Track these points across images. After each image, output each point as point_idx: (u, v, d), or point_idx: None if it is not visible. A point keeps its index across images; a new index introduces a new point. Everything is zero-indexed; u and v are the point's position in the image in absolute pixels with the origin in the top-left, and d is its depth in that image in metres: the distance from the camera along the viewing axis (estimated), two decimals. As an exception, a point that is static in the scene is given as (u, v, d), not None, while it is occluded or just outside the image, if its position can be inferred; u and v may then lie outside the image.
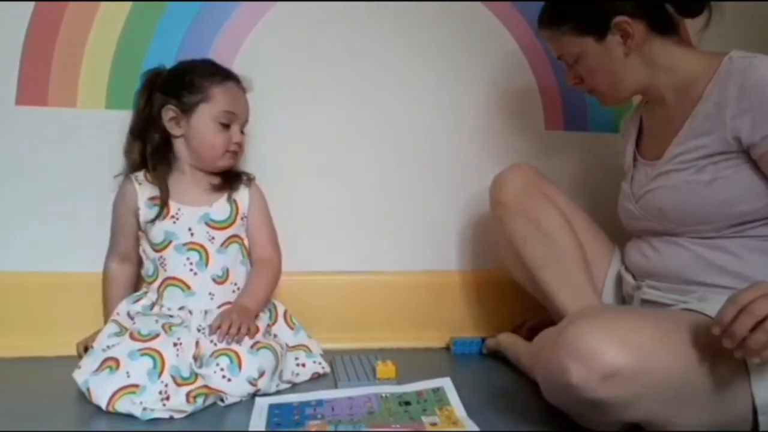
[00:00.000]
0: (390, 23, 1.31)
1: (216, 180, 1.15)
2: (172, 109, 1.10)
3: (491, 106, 1.36)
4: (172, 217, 1.10)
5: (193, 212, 1.11)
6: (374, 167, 1.33)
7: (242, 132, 1.15)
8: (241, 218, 1.15)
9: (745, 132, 0.87)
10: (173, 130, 1.11)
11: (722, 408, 0.78)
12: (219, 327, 1.00)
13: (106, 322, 1.12)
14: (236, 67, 1.20)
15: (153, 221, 1.09)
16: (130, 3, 1.21)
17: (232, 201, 1.15)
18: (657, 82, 0.99)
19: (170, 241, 1.09)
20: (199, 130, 1.10)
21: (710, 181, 0.90)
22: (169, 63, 1.19)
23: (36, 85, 1.20)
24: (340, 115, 1.31)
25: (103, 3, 1.20)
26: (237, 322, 1.01)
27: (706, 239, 0.93)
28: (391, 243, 1.35)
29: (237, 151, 1.14)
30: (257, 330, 1.03)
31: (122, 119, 1.21)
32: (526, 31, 1.35)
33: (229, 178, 1.16)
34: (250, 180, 1.19)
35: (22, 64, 1.19)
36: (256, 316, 1.09)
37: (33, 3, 1.18)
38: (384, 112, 1.33)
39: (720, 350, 0.78)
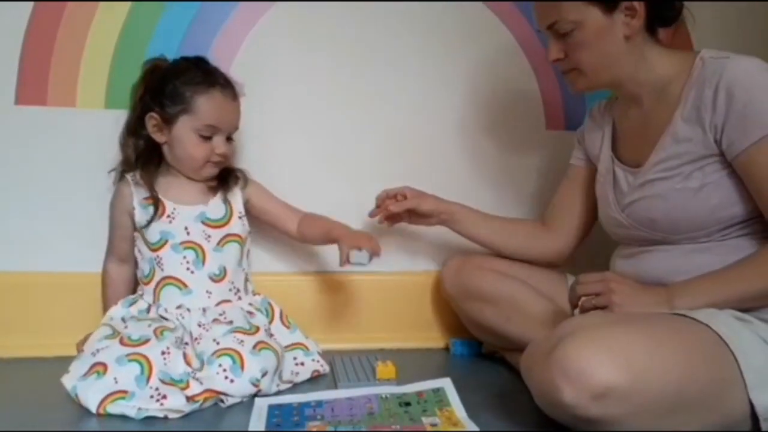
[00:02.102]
0: (389, 23, 1.30)
1: (212, 182, 1.14)
2: (154, 117, 1.08)
3: (492, 106, 1.36)
4: (168, 216, 1.09)
5: (189, 211, 1.10)
6: (374, 167, 1.33)
7: (230, 139, 1.13)
8: (238, 217, 1.14)
9: (721, 135, 0.87)
10: (156, 137, 1.10)
11: (718, 414, 0.77)
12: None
13: None
14: (235, 67, 1.20)
15: (149, 223, 1.08)
16: (130, 3, 1.21)
17: (226, 202, 1.14)
18: (637, 78, 0.96)
19: (166, 241, 1.09)
20: (180, 140, 1.08)
21: (699, 187, 0.90)
22: (168, 63, 1.19)
23: (35, 84, 1.20)
24: (339, 114, 1.31)
25: (102, 3, 1.20)
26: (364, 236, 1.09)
27: (693, 244, 0.93)
28: (391, 243, 1.34)
29: (220, 161, 1.11)
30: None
31: (122, 119, 1.21)
32: (527, 31, 1.34)
33: (225, 178, 1.15)
34: (245, 182, 1.18)
35: (21, 63, 1.19)
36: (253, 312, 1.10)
37: (32, 3, 1.18)
38: (383, 112, 1.32)
39: (713, 357, 0.78)
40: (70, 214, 1.22)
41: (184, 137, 1.08)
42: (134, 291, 1.15)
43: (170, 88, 1.07)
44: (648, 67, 0.95)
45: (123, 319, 1.06)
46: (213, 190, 1.14)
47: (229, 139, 1.12)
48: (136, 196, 1.10)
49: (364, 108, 1.32)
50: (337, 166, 1.32)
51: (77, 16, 1.20)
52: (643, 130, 0.98)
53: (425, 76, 1.33)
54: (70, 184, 1.22)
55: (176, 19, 1.22)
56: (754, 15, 1.40)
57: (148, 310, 1.08)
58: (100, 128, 1.21)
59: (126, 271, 1.15)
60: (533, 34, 1.34)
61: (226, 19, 1.24)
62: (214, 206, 1.13)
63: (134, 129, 1.12)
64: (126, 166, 1.13)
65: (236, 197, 1.16)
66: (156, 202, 1.09)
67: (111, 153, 1.21)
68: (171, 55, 1.20)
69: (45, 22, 1.19)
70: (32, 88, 1.20)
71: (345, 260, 1.06)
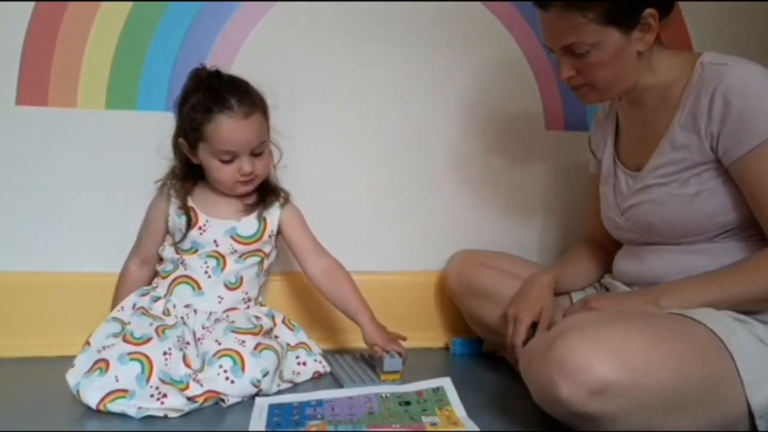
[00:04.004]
0: (390, 23, 1.31)
1: (251, 199, 1.14)
2: (183, 143, 1.09)
3: (491, 106, 1.36)
4: (200, 228, 1.10)
5: (221, 225, 1.11)
6: (374, 168, 1.33)
7: (259, 155, 1.09)
8: (269, 236, 1.14)
9: (717, 143, 0.87)
10: (191, 158, 1.10)
11: (716, 412, 0.78)
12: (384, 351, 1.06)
13: None
14: (236, 69, 1.19)
15: (185, 235, 1.09)
16: (131, 3, 1.21)
17: (261, 219, 1.13)
18: (643, 83, 0.95)
19: (197, 250, 1.10)
20: (205, 164, 1.09)
21: (696, 193, 0.90)
22: (169, 64, 1.19)
23: (36, 85, 1.20)
24: (340, 115, 1.31)
25: (103, 3, 1.20)
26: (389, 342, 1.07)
27: (692, 246, 0.93)
28: (390, 243, 1.35)
29: (250, 180, 1.09)
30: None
31: (122, 120, 1.22)
32: (527, 32, 1.34)
33: (265, 195, 1.15)
34: (286, 200, 1.17)
35: (22, 63, 1.19)
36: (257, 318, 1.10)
37: (33, 3, 1.18)
38: (384, 112, 1.33)
39: (710, 355, 0.78)
40: (70, 215, 1.22)
41: (207, 162, 1.08)
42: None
43: (185, 113, 1.06)
44: (653, 72, 0.94)
45: (134, 306, 1.06)
46: (250, 208, 1.13)
47: (257, 155, 1.09)
48: (174, 204, 1.11)
49: (364, 108, 1.32)
50: (337, 167, 1.32)
51: (78, 16, 1.20)
52: (644, 132, 0.98)
53: (425, 77, 1.33)
54: (71, 184, 1.22)
55: (177, 19, 1.22)
56: (754, 15, 1.40)
57: (157, 300, 1.08)
58: (101, 129, 1.22)
59: (145, 274, 1.15)
60: (533, 35, 1.34)
61: (227, 19, 1.24)
62: (247, 223, 1.12)
63: (174, 146, 1.13)
64: (171, 176, 1.14)
65: (273, 216, 1.14)
66: (188, 213, 1.10)
67: (111, 154, 1.22)
68: (172, 55, 1.20)
69: (46, 23, 1.19)
70: (33, 88, 1.20)
71: (378, 366, 1.06)
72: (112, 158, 1.22)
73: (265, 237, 1.13)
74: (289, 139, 1.28)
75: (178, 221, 1.10)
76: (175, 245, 1.11)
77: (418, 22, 1.31)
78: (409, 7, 1.30)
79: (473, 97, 1.35)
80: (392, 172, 1.34)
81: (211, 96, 1.04)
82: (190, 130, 1.06)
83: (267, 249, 1.15)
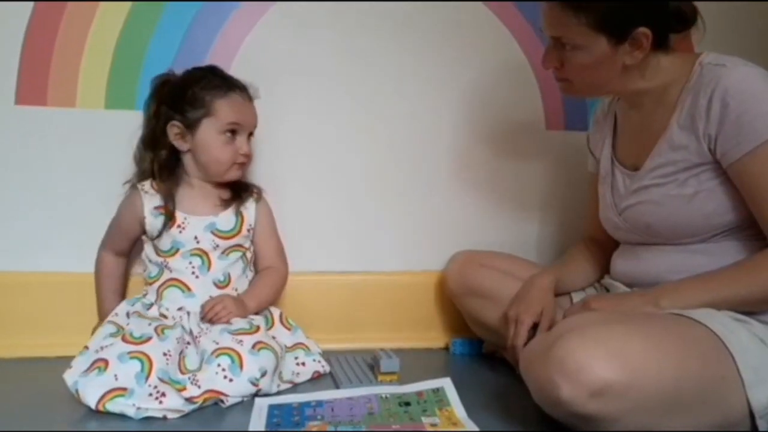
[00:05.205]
0: (390, 23, 1.30)
1: (226, 194, 1.15)
2: (176, 126, 1.10)
3: (492, 106, 1.36)
4: (179, 226, 1.11)
5: (199, 221, 1.12)
6: (373, 167, 1.33)
7: (251, 135, 1.15)
8: (247, 230, 1.16)
9: (715, 145, 0.87)
10: (180, 145, 1.11)
11: (717, 413, 0.78)
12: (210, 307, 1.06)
13: (99, 314, 1.15)
14: (235, 68, 1.20)
15: (160, 233, 1.10)
16: (130, 3, 1.21)
17: (239, 214, 1.15)
18: (637, 89, 0.96)
19: (177, 249, 1.11)
20: (204, 144, 1.10)
21: (694, 194, 0.90)
22: (168, 64, 1.19)
23: (35, 84, 1.20)
24: (338, 115, 1.31)
25: (102, 3, 1.20)
26: (220, 307, 1.05)
27: (691, 245, 0.93)
28: (390, 243, 1.35)
29: (245, 162, 1.14)
30: (243, 316, 1.07)
31: (121, 119, 1.21)
32: (527, 31, 1.34)
33: (238, 192, 1.17)
34: (259, 195, 1.19)
35: (21, 63, 1.19)
36: (256, 313, 1.11)
37: (32, 3, 1.18)
38: (383, 112, 1.32)
39: (710, 355, 0.78)
40: (70, 215, 1.22)
41: (209, 140, 1.10)
42: (127, 283, 1.19)
43: (190, 95, 1.09)
44: (650, 78, 0.94)
45: (128, 315, 1.07)
46: (225, 204, 1.15)
47: (249, 135, 1.14)
48: (147, 205, 1.11)
49: (363, 108, 1.32)
50: (336, 167, 1.32)
51: (77, 16, 1.19)
52: (642, 132, 0.98)
53: (425, 77, 1.33)
54: (70, 184, 1.22)
55: (176, 19, 1.22)
56: (754, 15, 1.40)
57: (150, 307, 1.09)
58: (100, 129, 1.22)
59: (121, 264, 1.18)
60: (534, 34, 1.34)
61: (225, 19, 1.24)
62: (225, 218, 1.14)
63: (153, 142, 1.13)
64: (141, 178, 1.14)
65: (249, 210, 1.17)
66: (170, 213, 1.10)
67: (111, 153, 1.22)
68: (171, 55, 1.20)
69: (45, 23, 1.19)
70: (32, 88, 1.20)
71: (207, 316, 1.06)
72: (111, 158, 1.22)
73: (244, 231, 1.15)
74: (288, 137, 1.28)
75: (155, 222, 1.11)
76: (155, 248, 1.12)
77: (418, 22, 1.31)
78: (409, 7, 1.30)
79: (473, 97, 1.35)
80: (392, 172, 1.34)
81: (221, 78, 1.12)
82: (195, 108, 1.09)
83: (246, 244, 1.16)
